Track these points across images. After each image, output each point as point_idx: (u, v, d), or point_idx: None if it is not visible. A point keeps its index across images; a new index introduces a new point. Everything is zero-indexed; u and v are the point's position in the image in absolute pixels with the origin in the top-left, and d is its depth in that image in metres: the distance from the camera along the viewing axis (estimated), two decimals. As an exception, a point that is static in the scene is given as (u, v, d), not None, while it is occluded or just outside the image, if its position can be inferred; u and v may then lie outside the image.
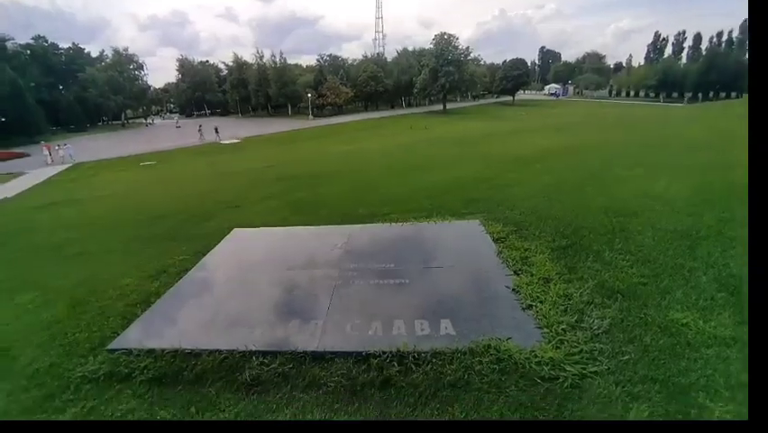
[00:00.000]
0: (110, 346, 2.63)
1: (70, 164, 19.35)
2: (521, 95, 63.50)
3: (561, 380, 2.04)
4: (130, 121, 56.68)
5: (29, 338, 2.92)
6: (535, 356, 2.21)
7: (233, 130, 28.30)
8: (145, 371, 2.33)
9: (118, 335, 2.77)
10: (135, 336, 2.70)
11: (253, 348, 2.45)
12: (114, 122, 56.31)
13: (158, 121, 59.46)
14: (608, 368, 2.12)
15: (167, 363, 2.39)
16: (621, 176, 6.26)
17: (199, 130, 29.53)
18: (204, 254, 4.21)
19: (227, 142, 24.10)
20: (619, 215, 4.48)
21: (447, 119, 22.45)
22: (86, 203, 8.81)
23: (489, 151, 10.17)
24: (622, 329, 2.44)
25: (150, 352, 2.50)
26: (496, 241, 3.88)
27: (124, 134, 38.35)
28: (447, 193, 6.07)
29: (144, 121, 56.16)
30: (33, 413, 2.11)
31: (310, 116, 40.49)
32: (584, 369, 2.11)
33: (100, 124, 54.47)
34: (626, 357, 2.19)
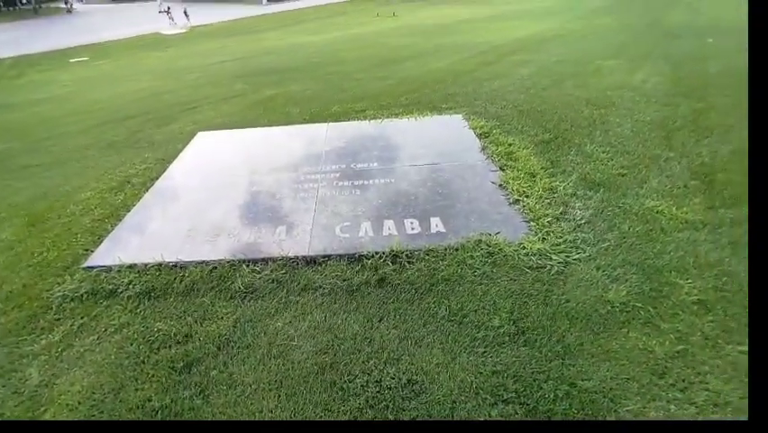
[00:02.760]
0: (86, 264, 2.49)
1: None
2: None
3: (547, 268, 2.15)
4: (43, 5, 47.09)
5: (-9, 260, 2.72)
6: (523, 248, 2.29)
7: (164, 20, 24.15)
8: (131, 286, 2.25)
9: (91, 252, 2.61)
10: (111, 253, 2.56)
11: (242, 257, 2.40)
12: (22, 6, 46.67)
13: (79, 6, 49.55)
14: (590, 255, 2.24)
15: (152, 276, 2.31)
16: (601, 66, 6.06)
17: (168, 12, 24.38)
18: (169, 162, 3.87)
19: (170, 33, 20.83)
20: (600, 106, 4.43)
21: (417, 5, 20.10)
22: (20, 108, 7.68)
23: (465, 40, 9.37)
24: (603, 219, 2.54)
25: (132, 267, 2.39)
26: (479, 136, 3.77)
27: (40, 23, 32.04)
28: (424, 87, 5.70)
29: (64, 5, 46.36)
30: (19, 335, 2.04)
31: (264, 0, 35.05)
32: (568, 257, 2.23)
33: (4, 9, 45.10)
34: (606, 244, 2.31)
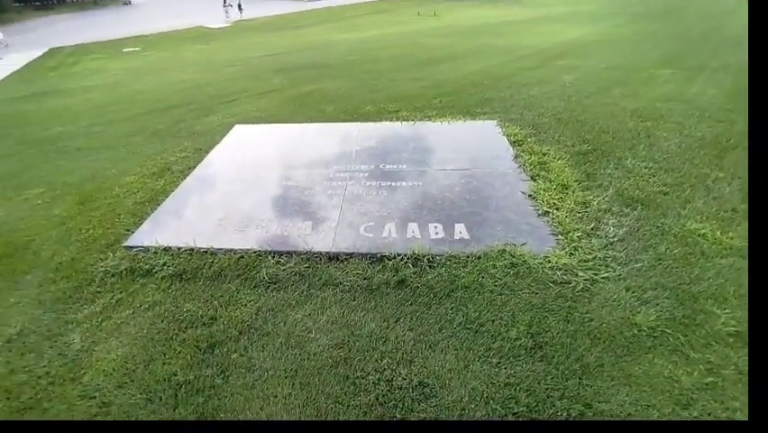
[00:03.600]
0: (127, 243, 2.66)
1: (44, 50, 17.73)
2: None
3: (572, 284, 2.09)
4: (103, -2, 50.23)
5: (46, 233, 2.96)
6: (549, 262, 2.24)
7: (220, 12, 25.30)
8: (165, 267, 2.39)
9: (132, 232, 2.79)
10: (150, 234, 2.72)
11: (268, 248, 2.48)
12: (85, -1, 50.06)
13: None
14: (620, 274, 2.16)
15: (184, 260, 2.44)
16: (653, 75, 5.75)
17: (225, 5, 25.86)
18: (206, 152, 4.06)
19: (216, 26, 21.72)
20: (646, 119, 4.22)
21: (459, 4, 19.91)
22: (74, 94, 8.26)
23: (507, 43, 9.18)
24: (637, 238, 2.43)
25: (167, 249, 2.54)
26: (513, 144, 3.70)
27: (98, 14, 34.38)
28: (460, 91, 5.64)
29: None
30: (66, 303, 2.22)
31: (307, -3, 35.77)
32: (596, 275, 2.15)
33: (69, 1, 48.51)
34: (639, 265, 2.22)
